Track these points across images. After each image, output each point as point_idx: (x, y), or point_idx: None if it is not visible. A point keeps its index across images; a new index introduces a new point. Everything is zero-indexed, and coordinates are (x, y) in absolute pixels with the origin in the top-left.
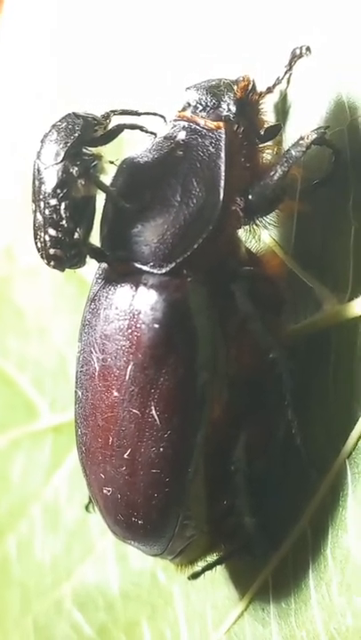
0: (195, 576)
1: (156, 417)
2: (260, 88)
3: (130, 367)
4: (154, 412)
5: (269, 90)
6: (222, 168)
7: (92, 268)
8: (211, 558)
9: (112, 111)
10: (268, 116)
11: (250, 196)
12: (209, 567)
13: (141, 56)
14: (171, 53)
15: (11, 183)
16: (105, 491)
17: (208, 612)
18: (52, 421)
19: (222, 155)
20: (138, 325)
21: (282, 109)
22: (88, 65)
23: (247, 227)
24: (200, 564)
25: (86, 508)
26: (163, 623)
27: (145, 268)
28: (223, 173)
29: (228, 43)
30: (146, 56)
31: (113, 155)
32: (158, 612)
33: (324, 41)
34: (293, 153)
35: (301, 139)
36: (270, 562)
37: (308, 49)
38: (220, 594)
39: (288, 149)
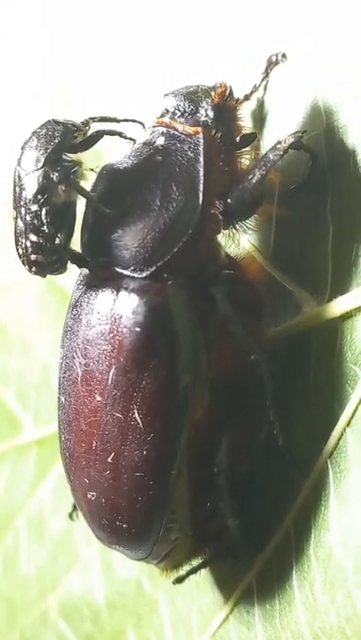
0: (179, 580)
1: (138, 420)
2: (238, 95)
3: (112, 371)
4: (137, 415)
5: (247, 97)
6: (201, 172)
7: (72, 278)
8: (195, 562)
9: (91, 118)
10: (246, 122)
11: (229, 200)
12: (193, 571)
13: (138, 58)
14: (168, 57)
15: None
16: (89, 495)
17: (194, 617)
18: (36, 434)
19: (201, 159)
20: (119, 329)
21: (259, 116)
22: (86, 68)
23: (227, 231)
24: (185, 568)
25: (70, 516)
26: (149, 631)
27: (126, 272)
28: (202, 177)
29: (204, 52)
30: (142, 58)
31: (92, 162)
32: (144, 619)
33: (299, 46)
34: (271, 157)
35: (279, 143)
36: (254, 564)
37: (283, 55)
38: (205, 599)
39: (266, 153)
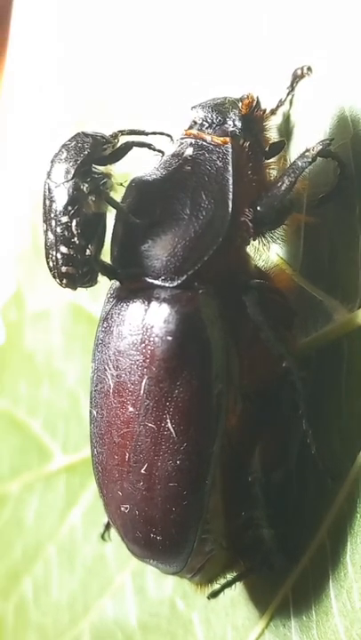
0: (214, 595)
1: (172, 430)
2: (264, 107)
3: (144, 381)
4: (170, 424)
5: (273, 112)
6: (230, 181)
7: (101, 306)
8: (230, 575)
9: (120, 131)
10: (273, 134)
11: (258, 208)
12: (228, 584)
13: (165, 72)
14: (171, 65)
15: (18, 229)
16: (123, 508)
17: (228, 634)
18: (65, 462)
19: (230, 168)
20: (151, 339)
21: (285, 129)
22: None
23: (256, 241)
24: (219, 582)
25: (102, 536)
26: None
27: (156, 282)
28: (231, 186)
29: (230, 66)
30: (169, 72)
31: (121, 177)
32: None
33: (323, 57)
34: (300, 164)
35: (307, 150)
36: (290, 575)
37: (309, 69)
38: (239, 614)
39: (294, 161)
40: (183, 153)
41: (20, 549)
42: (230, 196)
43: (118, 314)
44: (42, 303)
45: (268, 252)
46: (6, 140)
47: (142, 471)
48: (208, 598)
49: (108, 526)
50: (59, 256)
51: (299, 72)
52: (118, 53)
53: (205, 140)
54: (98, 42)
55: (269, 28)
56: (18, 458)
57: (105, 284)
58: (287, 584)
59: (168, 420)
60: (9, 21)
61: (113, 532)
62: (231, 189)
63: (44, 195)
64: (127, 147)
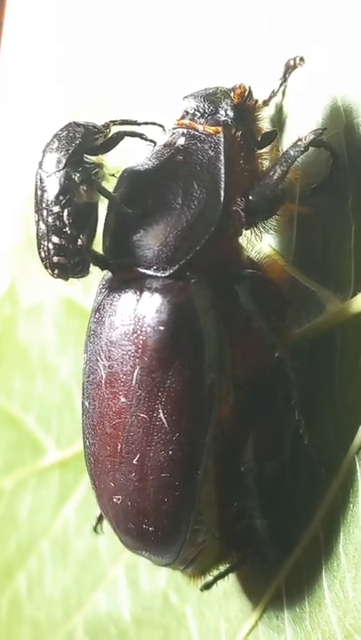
0: (207, 586)
1: (164, 420)
2: (257, 97)
3: (136, 371)
4: (162, 415)
5: (265, 102)
6: (222, 170)
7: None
8: (223, 567)
9: (112, 121)
10: (265, 124)
11: (250, 197)
12: (221, 576)
13: (157, 63)
14: (170, 65)
15: (12, 224)
16: (115, 499)
17: (222, 626)
18: (58, 457)
19: (222, 157)
20: (143, 329)
21: (278, 119)
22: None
23: (249, 232)
24: (212, 574)
25: (94, 528)
26: None
27: (148, 272)
28: (223, 175)
29: (223, 58)
30: (161, 63)
31: (113, 168)
32: (171, 633)
33: (316, 47)
34: (292, 153)
35: (299, 140)
36: (283, 567)
37: (301, 59)
38: (233, 607)
39: (286, 150)
40: (175, 143)
41: (13, 545)
42: (222, 186)
43: (110, 304)
44: (35, 298)
45: (260, 243)
46: (5, 140)
47: (134, 462)
48: (201, 590)
49: (100, 518)
50: (50, 246)
51: (291, 63)
52: (118, 53)
53: (197, 130)
54: (98, 42)
55: (262, 19)
56: (11, 453)
57: (97, 278)
58: (280, 575)
59: (160, 411)
60: (2, 21)
61: (106, 524)
62: (223, 179)
63: (36, 184)
64: (119, 136)
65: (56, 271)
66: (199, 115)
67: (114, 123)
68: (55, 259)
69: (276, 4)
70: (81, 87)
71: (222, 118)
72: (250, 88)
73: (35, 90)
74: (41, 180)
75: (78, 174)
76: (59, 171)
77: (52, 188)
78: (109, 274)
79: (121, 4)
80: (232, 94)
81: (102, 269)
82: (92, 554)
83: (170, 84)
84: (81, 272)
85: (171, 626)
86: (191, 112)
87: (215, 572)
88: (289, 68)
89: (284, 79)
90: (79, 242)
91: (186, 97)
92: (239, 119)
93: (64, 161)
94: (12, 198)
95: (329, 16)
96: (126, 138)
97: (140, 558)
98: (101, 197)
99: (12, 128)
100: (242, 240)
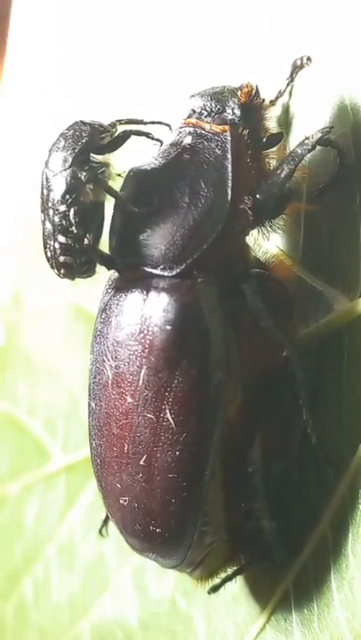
0: (215, 589)
1: (171, 420)
2: (264, 96)
3: (143, 371)
4: (169, 415)
5: (272, 102)
6: (229, 169)
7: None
8: (230, 569)
9: (118, 120)
10: (272, 123)
11: (257, 196)
12: (229, 578)
13: (145, 68)
14: (176, 64)
15: (16, 230)
16: (121, 501)
17: (229, 630)
18: (65, 462)
19: (229, 156)
20: (150, 329)
21: (285, 119)
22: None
23: (256, 231)
24: (220, 577)
25: (100, 531)
26: None
27: (155, 271)
28: (230, 174)
29: (229, 57)
30: (151, 69)
31: (119, 167)
32: (179, 637)
33: (322, 46)
34: (299, 151)
35: (307, 138)
36: (291, 568)
37: (308, 59)
38: (240, 610)
39: (294, 149)
40: (182, 142)
41: (19, 551)
42: (229, 184)
43: (117, 304)
44: (41, 303)
45: (268, 243)
46: (6, 141)
47: (141, 462)
48: (208, 593)
49: (106, 521)
50: (57, 246)
51: (298, 62)
52: (118, 52)
53: (204, 129)
54: (98, 41)
55: (269, 18)
56: (17, 459)
57: (103, 281)
58: (288, 577)
59: (167, 411)
60: (8, 21)
61: (112, 527)
62: (230, 177)
63: (42, 184)
64: (125, 136)
65: (62, 271)
66: (206, 113)
67: (120, 122)
68: (62, 258)
69: (283, 2)
70: (81, 87)
71: (229, 117)
72: (257, 87)
73: (35, 90)
74: (47, 179)
75: (85, 173)
76: (65, 170)
77: (59, 187)
78: (116, 274)
79: (123, 4)
80: (239, 93)
81: (108, 269)
82: (99, 559)
83: (177, 83)
84: (87, 272)
85: (178, 630)
86: (198, 111)
87: (223, 575)
88: (296, 68)
89: (291, 79)
90: (85, 241)
91: (192, 96)
92: (246, 118)
93: (70, 160)
94: (14, 201)
95: (336, 15)
96: (133, 137)
97: (146, 563)
98: (108, 197)
99: (11, 129)
100: (249, 240)
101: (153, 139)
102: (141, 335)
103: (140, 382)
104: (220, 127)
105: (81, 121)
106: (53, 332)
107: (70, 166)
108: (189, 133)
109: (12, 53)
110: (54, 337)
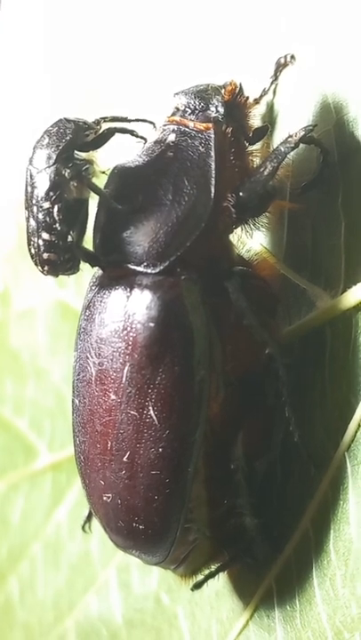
0: (198, 586)
1: (154, 417)
2: (248, 94)
3: (126, 368)
4: (152, 412)
5: (256, 100)
6: (213, 166)
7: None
8: (214, 566)
9: (103, 118)
10: (256, 121)
11: (241, 193)
12: (212, 575)
13: (147, 60)
14: (160, 62)
15: (3, 228)
16: (105, 498)
17: (213, 627)
18: (51, 460)
19: (212, 153)
20: (133, 326)
21: (269, 117)
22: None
23: (240, 230)
24: (203, 574)
25: (83, 527)
26: None
27: (139, 268)
28: (214, 171)
29: (214, 55)
30: (135, 66)
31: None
32: (163, 635)
33: (307, 45)
34: (282, 149)
35: (290, 136)
36: (273, 565)
37: (292, 57)
38: (224, 607)
39: (277, 147)
40: (166, 139)
41: (5, 549)
42: (213, 182)
43: (100, 301)
44: (28, 302)
45: (251, 241)
46: None
47: (124, 459)
48: (192, 590)
49: (89, 517)
50: (40, 242)
51: (282, 61)
52: (105, 42)
53: (188, 127)
54: (83, 39)
55: (253, 17)
56: (3, 457)
57: (89, 279)
58: (271, 574)
59: (150, 408)
60: None
61: (96, 525)
62: (214, 175)
63: (26, 181)
64: (110, 133)
65: (46, 268)
66: (190, 111)
67: (104, 119)
68: (45, 255)
69: (266, 2)
70: (66, 84)
71: (213, 115)
72: (241, 85)
73: (19, 87)
74: (31, 176)
75: (68, 170)
76: (49, 167)
77: (43, 184)
78: (100, 271)
79: (108, 1)
80: (223, 91)
81: (92, 266)
82: (84, 557)
83: (161, 80)
84: (71, 269)
85: (162, 627)
86: (182, 109)
87: (206, 572)
88: (280, 66)
89: (275, 77)
90: (69, 238)
91: (176, 94)
92: (230, 116)
93: (54, 157)
94: (1, 203)
95: (320, 13)
96: (117, 134)
97: (131, 560)
98: (92, 194)
99: None
100: (233, 237)
101: (137, 136)
102: (125, 332)
103: (124, 379)
104: (204, 125)
105: (65, 118)
106: (40, 330)
107: (54, 163)
108: (173, 131)
109: None
110: (41, 336)
